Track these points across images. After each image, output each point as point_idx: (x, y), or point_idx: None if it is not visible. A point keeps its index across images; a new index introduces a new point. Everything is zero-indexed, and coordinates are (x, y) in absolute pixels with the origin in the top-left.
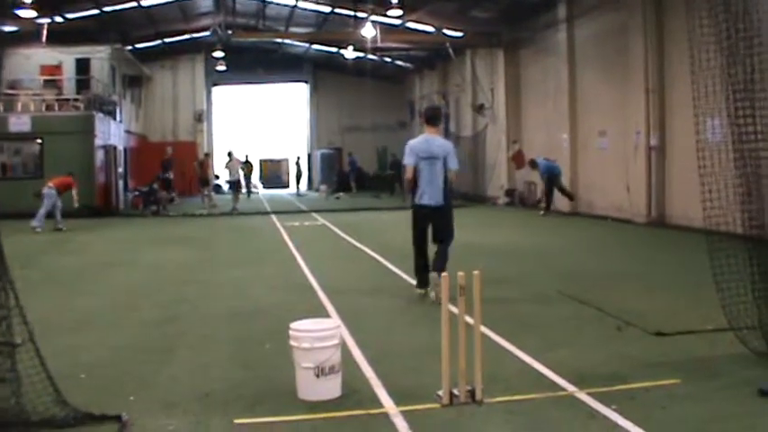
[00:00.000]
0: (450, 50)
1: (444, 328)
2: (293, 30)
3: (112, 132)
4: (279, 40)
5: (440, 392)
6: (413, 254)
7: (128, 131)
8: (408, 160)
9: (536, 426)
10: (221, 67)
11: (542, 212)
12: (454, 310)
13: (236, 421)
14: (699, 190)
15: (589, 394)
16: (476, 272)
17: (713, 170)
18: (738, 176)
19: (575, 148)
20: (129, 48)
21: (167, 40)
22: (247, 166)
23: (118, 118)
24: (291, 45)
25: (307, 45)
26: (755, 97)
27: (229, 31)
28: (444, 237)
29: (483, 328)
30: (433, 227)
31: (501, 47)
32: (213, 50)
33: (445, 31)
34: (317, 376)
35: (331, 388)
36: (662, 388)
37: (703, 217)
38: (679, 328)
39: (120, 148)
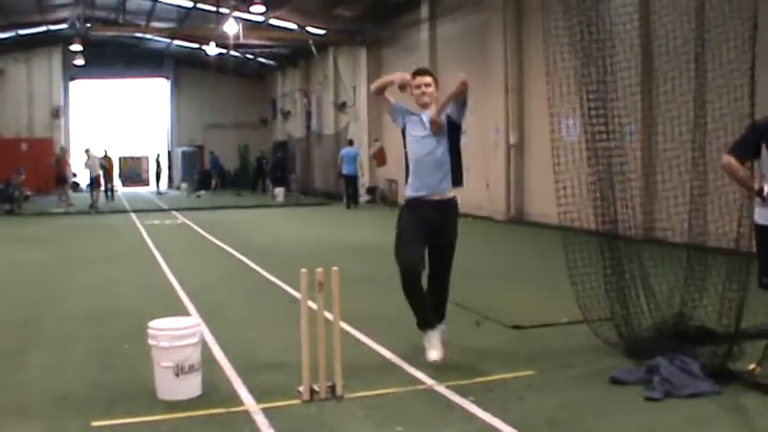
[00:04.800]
0: (314, 48)
1: (303, 324)
2: (155, 24)
3: None
4: (140, 35)
5: (300, 389)
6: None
7: None
8: None
9: (396, 419)
10: (79, 62)
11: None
12: (315, 306)
13: (94, 423)
14: (555, 187)
15: (448, 387)
16: (335, 268)
17: (567, 168)
18: (591, 174)
19: None
20: None
21: (22, 32)
22: (107, 162)
23: None
24: (153, 40)
25: (168, 40)
26: (607, 98)
27: (88, 25)
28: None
29: (344, 325)
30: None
31: (364, 45)
32: (71, 44)
33: (308, 28)
34: (177, 375)
35: (191, 387)
36: (519, 379)
37: (558, 213)
38: (535, 321)
39: None
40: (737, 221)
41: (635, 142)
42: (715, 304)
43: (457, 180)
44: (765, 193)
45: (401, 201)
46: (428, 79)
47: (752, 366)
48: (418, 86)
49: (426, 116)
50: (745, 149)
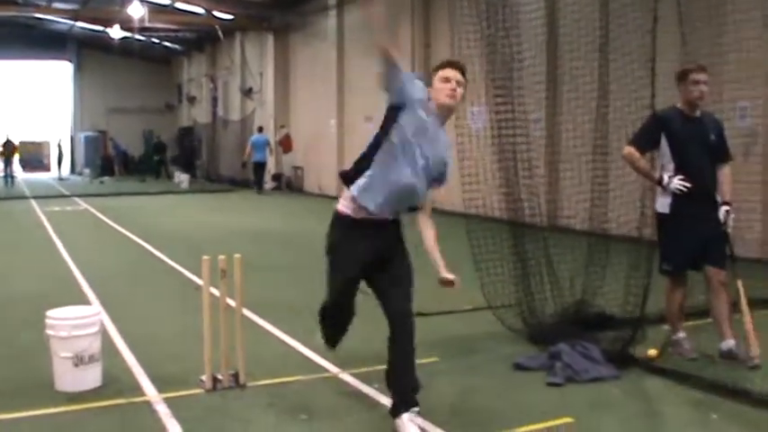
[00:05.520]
0: (220, 33)
1: (206, 312)
2: (56, 5)
3: None
4: (40, 16)
5: (203, 377)
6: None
7: None
8: None
9: (300, 407)
10: None
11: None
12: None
13: None
14: (459, 174)
15: (352, 375)
16: (237, 255)
17: (473, 155)
18: (496, 162)
19: (342, 133)
20: None
21: None
22: (7, 147)
23: None
24: (54, 21)
25: (71, 22)
26: (513, 87)
27: None
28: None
29: (249, 313)
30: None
31: (271, 31)
32: None
33: (215, 13)
34: (76, 366)
35: (91, 377)
36: (423, 366)
37: (463, 200)
38: (439, 308)
39: None
40: (641, 210)
41: (540, 131)
42: (616, 291)
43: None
44: (665, 182)
45: (308, 188)
46: (461, 77)
47: (651, 351)
48: (447, 80)
49: (437, 123)
50: (646, 140)
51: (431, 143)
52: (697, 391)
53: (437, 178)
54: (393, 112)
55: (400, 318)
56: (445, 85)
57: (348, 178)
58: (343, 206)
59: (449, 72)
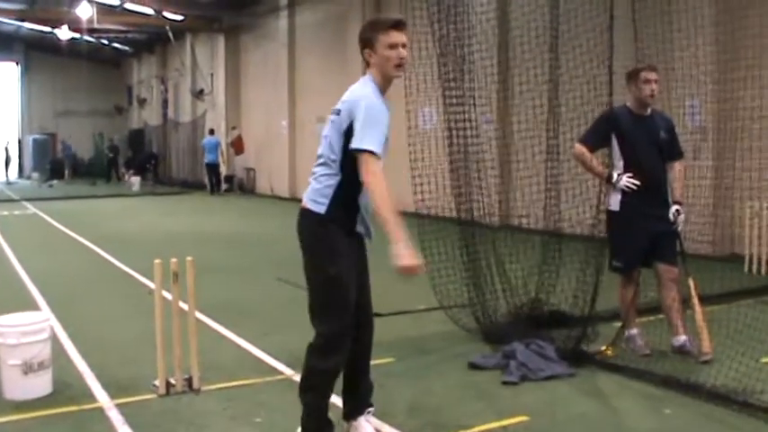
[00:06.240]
0: (170, 34)
1: (158, 316)
2: (2, 6)
3: None
4: None
5: (156, 382)
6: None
7: None
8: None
9: (254, 410)
10: None
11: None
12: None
13: None
14: (411, 175)
15: None
16: (189, 258)
17: (423, 156)
18: (449, 162)
19: (293, 134)
20: None
21: None
22: None
23: None
24: (0, 22)
25: (18, 23)
26: (465, 87)
27: None
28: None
29: (202, 317)
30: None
31: (222, 32)
32: None
33: (166, 13)
34: (26, 373)
35: (41, 385)
36: (378, 367)
37: (414, 201)
38: (392, 308)
39: None
40: (596, 208)
41: (492, 131)
42: (569, 289)
43: None
44: (615, 179)
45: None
46: (405, 38)
47: (604, 348)
48: (394, 46)
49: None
50: (595, 138)
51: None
52: (651, 386)
53: None
54: None
55: (371, 320)
56: (392, 52)
57: None
58: None
59: (396, 36)
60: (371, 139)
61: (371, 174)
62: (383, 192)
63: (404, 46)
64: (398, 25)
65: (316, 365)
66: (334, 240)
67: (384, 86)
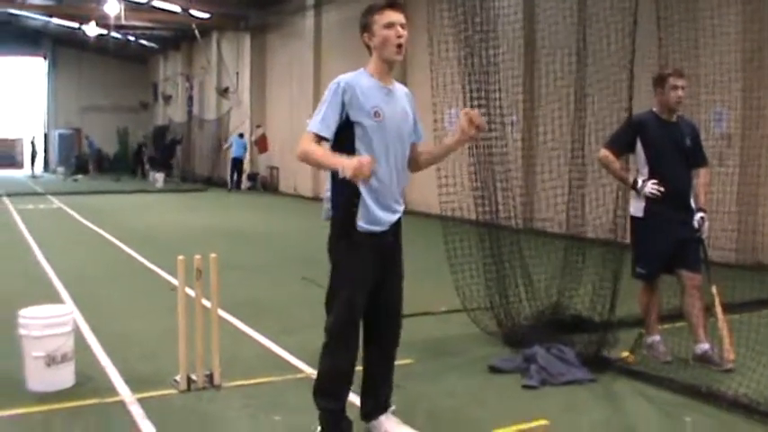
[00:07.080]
0: (197, 32)
1: (181, 311)
2: (31, 1)
3: None
4: (15, 12)
5: (177, 378)
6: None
7: None
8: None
9: (274, 408)
10: None
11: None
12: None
13: None
14: (436, 176)
15: None
16: (213, 255)
17: (449, 157)
18: (472, 164)
19: None
20: None
21: None
22: None
23: None
24: (29, 17)
25: (46, 18)
26: (489, 89)
27: None
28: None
29: (224, 313)
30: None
31: (248, 30)
32: None
33: (192, 11)
34: (48, 365)
35: (63, 377)
36: (397, 368)
37: (439, 202)
38: (414, 309)
39: None
40: (613, 213)
41: (516, 133)
42: (591, 294)
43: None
44: (639, 186)
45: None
46: (402, 18)
47: (625, 354)
48: (390, 25)
49: (401, 92)
50: (621, 144)
51: (392, 101)
52: (671, 393)
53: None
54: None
55: (394, 320)
56: (389, 32)
57: None
58: None
59: (391, 15)
60: (313, 120)
61: (299, 148)
62: (306, 150)
63: (402, 26)
64: (394, 5)
65: (322, 366)
66: (343, 238)
67: (383, 71)
